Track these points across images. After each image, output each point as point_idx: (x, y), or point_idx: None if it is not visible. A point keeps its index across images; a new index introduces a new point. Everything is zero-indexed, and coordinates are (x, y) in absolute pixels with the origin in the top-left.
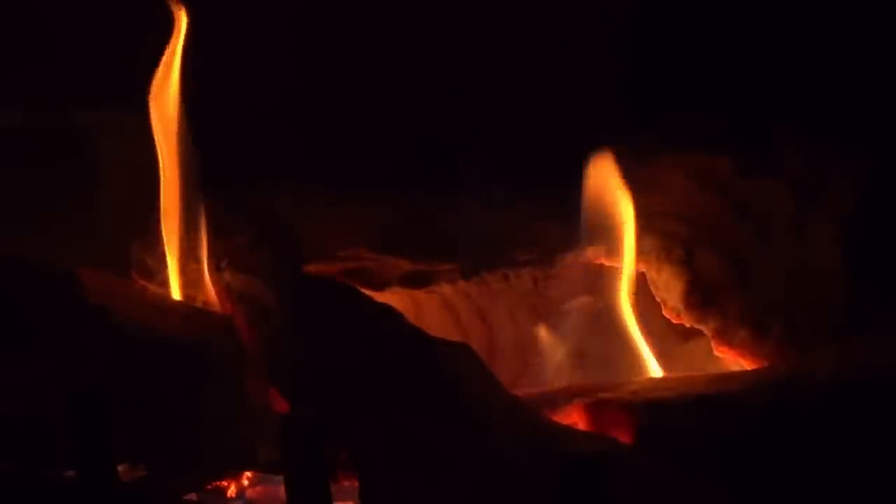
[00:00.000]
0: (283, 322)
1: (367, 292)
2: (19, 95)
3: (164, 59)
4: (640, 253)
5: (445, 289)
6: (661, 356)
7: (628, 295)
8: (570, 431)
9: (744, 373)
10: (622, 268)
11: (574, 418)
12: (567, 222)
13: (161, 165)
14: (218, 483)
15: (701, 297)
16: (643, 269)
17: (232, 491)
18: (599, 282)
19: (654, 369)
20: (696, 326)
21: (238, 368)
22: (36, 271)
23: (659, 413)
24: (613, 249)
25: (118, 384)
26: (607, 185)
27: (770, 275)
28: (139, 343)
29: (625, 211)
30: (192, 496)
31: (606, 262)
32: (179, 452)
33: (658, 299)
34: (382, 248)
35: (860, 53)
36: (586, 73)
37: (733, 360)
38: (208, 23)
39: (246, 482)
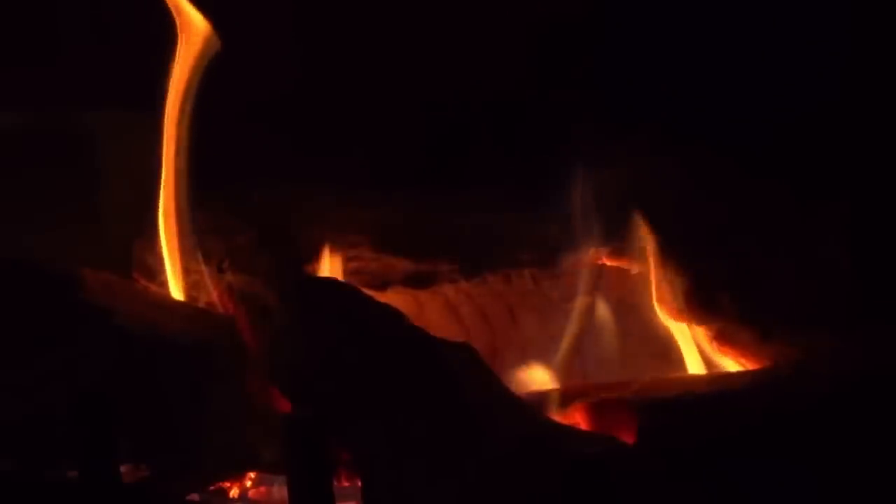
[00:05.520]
0: (285, 322)
1: (369, 292)
2: (21, 96)
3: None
4: (642, 253)
5: (447, 289)
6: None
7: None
8: (571, 431)
9: (745, 373)
10: (648, 272)
11: (576, 418)
12: (568, 222)
13: (162, 165)
14: (220, 483)
15: (703, 297)
16: (645, 269)
17: (234, 491)
18: (600, 282)
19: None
20: (698, 327)
21: (240, 369)
22: (38, 272)
23: (660, 413)
24: (621, 250)
25: (121, 385)
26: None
27: (772, 275)
28: (141, 343)
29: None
30: (195, 497)
31: (608, 263)
32: (182, 453)
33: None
34: (384, 248)
35: (861, 56)
36: (588, 74)
37: (735, 361)
38: (209, 22)
39: (248, 483)
